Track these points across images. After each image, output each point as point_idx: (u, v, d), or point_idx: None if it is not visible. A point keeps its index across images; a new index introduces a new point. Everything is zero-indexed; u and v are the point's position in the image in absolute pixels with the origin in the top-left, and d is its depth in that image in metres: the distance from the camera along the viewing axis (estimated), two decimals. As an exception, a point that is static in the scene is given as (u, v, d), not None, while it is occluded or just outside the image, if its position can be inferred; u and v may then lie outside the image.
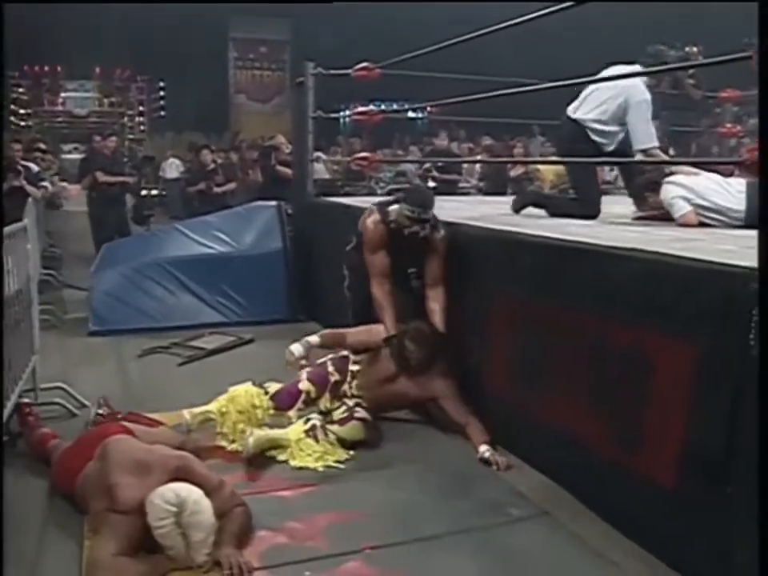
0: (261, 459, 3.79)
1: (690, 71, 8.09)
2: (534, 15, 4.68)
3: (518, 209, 5.42)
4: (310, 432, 3.90)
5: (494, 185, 9.46)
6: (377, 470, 3.74)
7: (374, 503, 3.37)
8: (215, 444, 3.97)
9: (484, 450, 3.85)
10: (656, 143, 5.00)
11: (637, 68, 5.03)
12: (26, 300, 4.35)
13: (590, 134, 5.12)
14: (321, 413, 4.14)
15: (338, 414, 4.09)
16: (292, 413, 4.09)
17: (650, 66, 4.99)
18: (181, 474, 2.95)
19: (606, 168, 10.96)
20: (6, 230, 3.96)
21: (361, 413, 4.05)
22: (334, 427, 3.97)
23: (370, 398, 4.21)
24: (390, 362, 4.27)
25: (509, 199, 6.00)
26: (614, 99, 5.03)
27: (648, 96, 5.00)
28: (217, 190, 9.82)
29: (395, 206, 4.37)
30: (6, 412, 3.72)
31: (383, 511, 3.29)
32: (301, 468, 3.74)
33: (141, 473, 2.96)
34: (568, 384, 3.44)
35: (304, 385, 4.19)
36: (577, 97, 5.32)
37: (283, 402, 4.11)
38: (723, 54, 3.30)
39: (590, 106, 5.15)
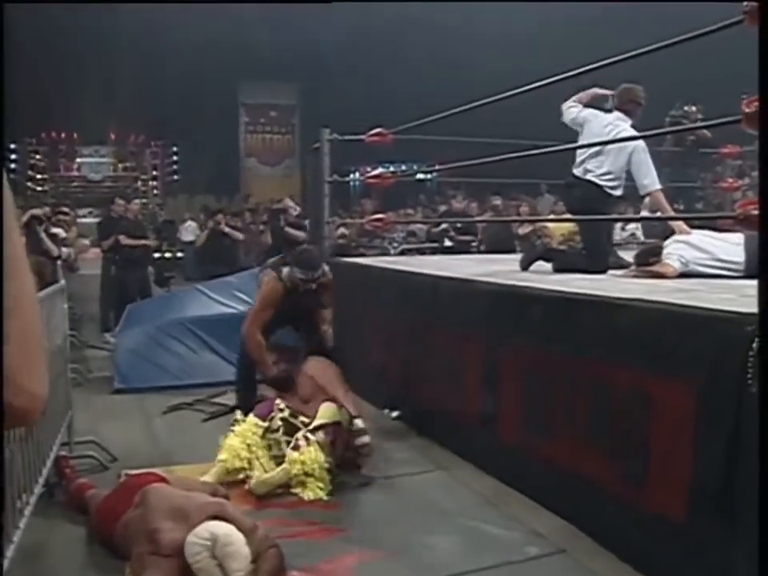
0: (291, 505, 3.97)
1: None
2: (549, 81, 5.06)
3: (525, 266, 5.60)
4: (295, 445, 4.24)
5: (501, 243, 9.71)
6: (399, 515, 3.91)
7: (397, 544, 3.54)
8: (244, 492, 4.15)
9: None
10: (659, 186, 5.32)
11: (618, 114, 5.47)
12: (63, 357, 4.59)
13: (606, 189, 5.41)
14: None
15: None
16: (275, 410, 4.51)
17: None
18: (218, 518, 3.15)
19: (618, 226, 11.26)
20: (48, 290, 4.23)
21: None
22: (314, 422, 4.34)
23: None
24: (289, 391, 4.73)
25: (517, 257, 6.24)
26: (618, 153, 5.32)
27: (642, 142, 5.32)
28: (225, 229, 10.09)
29: (286, 269, 4.97)
30: (49, 463, 3.93)
31: (406, 551, 3.46)
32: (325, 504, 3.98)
33: (180, 518, 3.15)
34: (577, 427, 3.63)
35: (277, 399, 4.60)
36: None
37: (262, 411, 4.52)
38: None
39: (596, 164, 5.42)
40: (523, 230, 10.02)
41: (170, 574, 2.99)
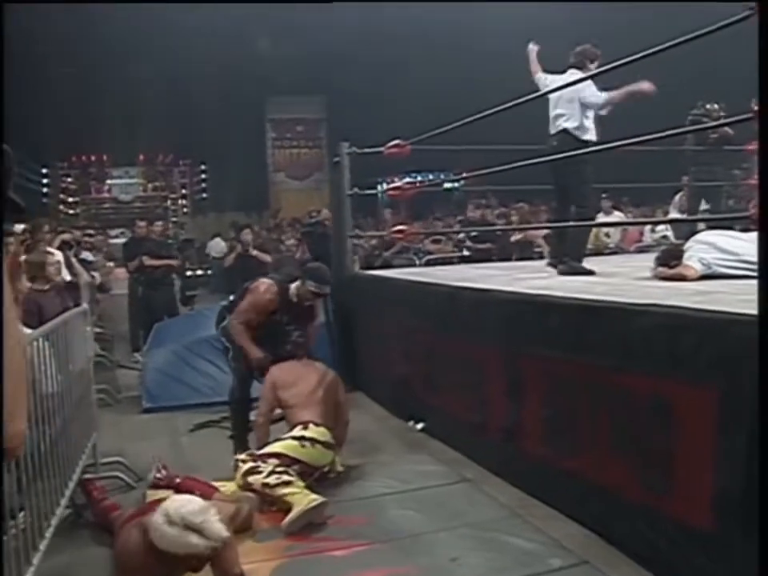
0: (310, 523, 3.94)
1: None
2: (569, 82, 5.16)
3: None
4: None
5: (500, 251, 9.74)
6: (424, 528, 3.87)
7: (422, 558, 3.51)
8: (265, 510, 4.14)
9: None
10: (604, 94, 5.62)
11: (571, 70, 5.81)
12: (86, 379, 4.63)
13: (575, 133, 5.72)
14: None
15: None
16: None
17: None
18: None
19: (647, 229, 11.18)
20: (70, 313, 4.28)
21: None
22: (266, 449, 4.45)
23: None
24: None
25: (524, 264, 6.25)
26: (573, 99, 5.68)
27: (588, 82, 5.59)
28: (252, 252, 10.05)
29: (296, 283, 5.18)
30: (72, 484, 3.96)
31: (430, 567, 3.43)
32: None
33: None
34: (599, 436, 3.58)
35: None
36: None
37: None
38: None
39: (562, 117, 5.77)
40: (515, 237, 9.99)
41: None
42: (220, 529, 2.88)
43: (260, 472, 4.20)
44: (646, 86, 5.49)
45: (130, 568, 2.98)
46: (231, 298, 5.59)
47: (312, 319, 5.50)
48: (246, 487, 4.21)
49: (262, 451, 4.43)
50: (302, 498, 3.99)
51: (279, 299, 5.18)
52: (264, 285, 5.22)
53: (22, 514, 3.08)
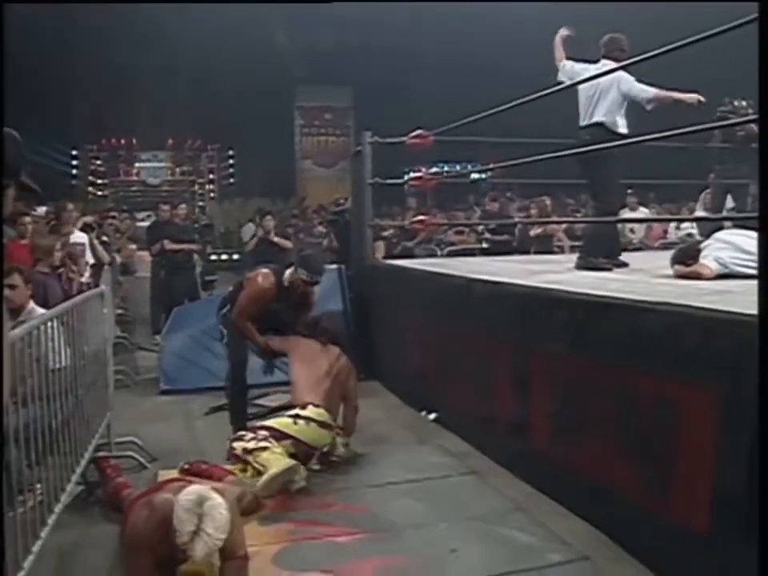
0: (318, 506, 3.97)
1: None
2: (593, 75, 5.33)
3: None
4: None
5: (520, 243, 9.72)
6: (425, 519, 3.87)
7: (419, 550, 3.52)
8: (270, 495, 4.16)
9: None
10: (653, 89, 5.54)
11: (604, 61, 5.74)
12: (101, 360, 4.70)
13: (609, 126, 5.66)
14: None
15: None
16: None
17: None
18: None
19: (672, 226, 11.10)
20: (85, 295, 4.34)
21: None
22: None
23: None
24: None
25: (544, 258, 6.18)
26: (608, 92, 5.64)
27: (624, 73, 5.54)
28: (274, 238, 10.04)
29: (290, 270, 5.12)
30: (83, 462, 4.02)
31: (428, 557, 3.44)
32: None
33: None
34: (604, 434, 3.58)
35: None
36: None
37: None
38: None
39: (597, 109, 5.70)
40: (534, 231, 9.93)
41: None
42: (204, 549, 2.79)
43: (243, 439, 4.32)
44: (693, 97, 5.44)
45: (137, 545, 3.01)
46: (231, 288, 5.55)
47: (308, 307, 5.41)
48: (231, 453, 4.32)
49: (254, 425, 4.55)
50: (275, 462, 4.10)
51: (277, 287, 5.15)
52: (261, 274, 5.18)
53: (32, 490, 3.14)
